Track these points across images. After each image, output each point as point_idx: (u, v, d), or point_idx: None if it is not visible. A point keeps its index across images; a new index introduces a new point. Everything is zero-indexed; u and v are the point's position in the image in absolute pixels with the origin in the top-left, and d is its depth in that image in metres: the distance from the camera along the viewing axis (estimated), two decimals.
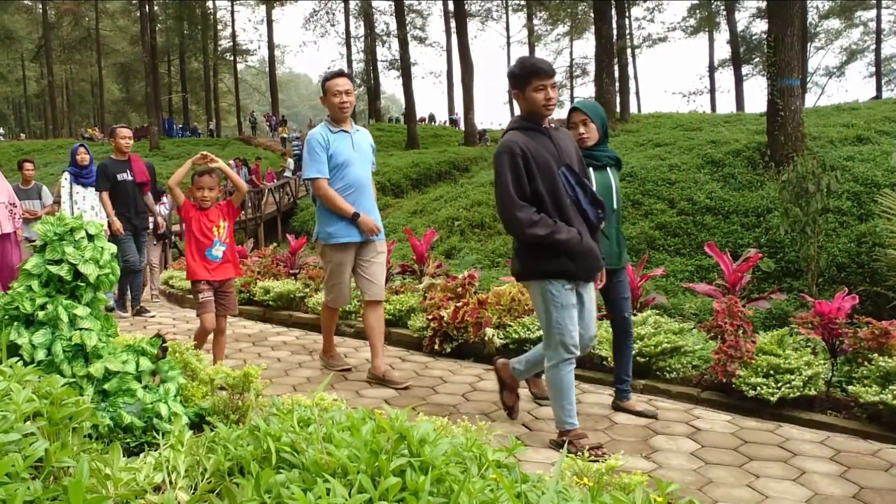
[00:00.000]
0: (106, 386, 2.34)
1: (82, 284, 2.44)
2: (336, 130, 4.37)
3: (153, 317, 6.83)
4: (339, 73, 4.43)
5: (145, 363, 2.47)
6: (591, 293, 3.37)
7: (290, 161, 27.25)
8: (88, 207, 7.02)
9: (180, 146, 34.57)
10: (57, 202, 7.60)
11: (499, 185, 3.18)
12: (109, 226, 6.54)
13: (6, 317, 2.37)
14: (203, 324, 4.26)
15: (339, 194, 4.28)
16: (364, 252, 4.41)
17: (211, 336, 4.36)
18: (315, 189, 4.33)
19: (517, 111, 3.45)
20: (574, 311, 3.20)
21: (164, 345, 2.66)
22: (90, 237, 2.50)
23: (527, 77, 3.20)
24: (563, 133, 3.41)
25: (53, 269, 2.39)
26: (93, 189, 6.98)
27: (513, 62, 3.34)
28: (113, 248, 2.59)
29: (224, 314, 4.36)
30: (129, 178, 6.64)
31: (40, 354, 2.30)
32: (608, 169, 3.68)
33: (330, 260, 4.40)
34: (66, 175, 7.13)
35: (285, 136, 35.00)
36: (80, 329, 2.37)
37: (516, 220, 3.12)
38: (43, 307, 2.37)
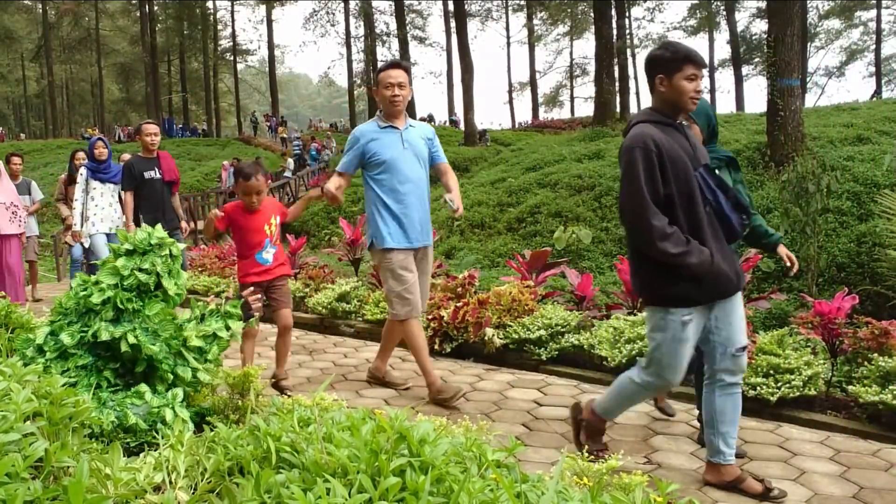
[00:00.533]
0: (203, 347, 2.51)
1: (158, 296, 2.54)
2: (385, 126, 4.01)
3: None
4: (394, 64, 4.02)
5: (235, 325, 2.62)
6: (733, 302, 2.86)
7: (290, 161, 27.27)
8: (106, 204, 6.86)
9: (180, 146, 34.57)
10: (53, 200, 7.56)
11: (629, 183, 2.74)
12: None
13: (82, 307, 2.46)
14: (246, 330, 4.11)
15: (386, 195, 3.94)
16: (417, 262, 4.07)
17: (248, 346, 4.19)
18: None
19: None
20: (689, 345, 2.77)
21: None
22: (172, 257, 2.59)
23: (680, 63, 2.75)
24: (693, 130, 3.05)
25: (141, 276, 2.48)
26: (111, 185, 6.86)
27: (655, 46, 2.92)
28: (186, 273, 2.66)
29: (280, 308, 4.09)
30: (158, 176, 6.27)
31: (155, 347, 2.44)
32: (723, 171, 3.21)
33: (389, 265, 3.95)
34: (83, 170, 6.95)
35: (285, 136, 35.05)
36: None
37: (648, 227, 2.64)
38: (136, 311, 2.49)
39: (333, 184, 3.97)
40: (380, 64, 3.78)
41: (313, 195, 4.13)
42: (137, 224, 6.42)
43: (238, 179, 3.98)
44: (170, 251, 2.57)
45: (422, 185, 4.01)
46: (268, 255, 4.01)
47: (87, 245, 6.95)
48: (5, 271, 6.26)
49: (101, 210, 6.86)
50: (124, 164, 6.40)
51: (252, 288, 3.64)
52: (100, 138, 7.23)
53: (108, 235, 6.85)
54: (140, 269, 2.50)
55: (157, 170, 6.30)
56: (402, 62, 4.07)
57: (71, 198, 7.29)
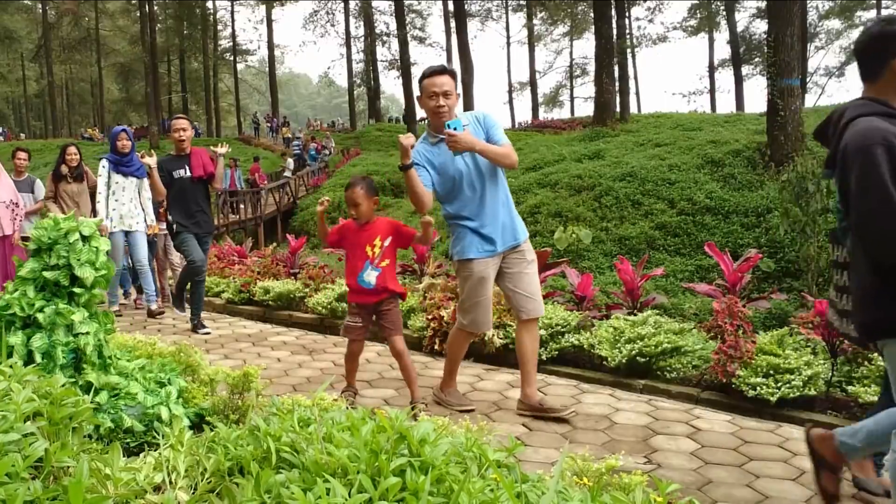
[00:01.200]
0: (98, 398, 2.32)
1: (79, 290, 2.43)
2: (436, 141, 3.64)
3: (208, 333, 6.02)
4: (437, 70, 3.64)
5: (173, 392, 2.49)
6: None
7: (290, 161, 27.22)
8: (127, 200, 6.53)
9: None
10: (42, 198, 7.17)
11: (876, 189, 2.15)
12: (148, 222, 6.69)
13: (2, 321, 2.35)
14: (349, 347, 3.92)
15: (459, 211, 3.67)
16: (511, 262, 3.71)
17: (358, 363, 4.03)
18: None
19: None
20: None
21: None
22: (84, 238, 2.48)
23: None
24: None
25: (49, 275, 2.37)
26: (134, 179, 6.55)
27: (880, 22, 2.37)
28: (108, 245, 2.56)
29: (388, 335, 3.81)
30: (187, 174, 5.91)
31: (38, 358, 2.30)
32: None
33: (467, 275, 3.69)
34: (104, 163, 6.52)
35: (289, 136, 34.89)
36: (78, 334, 2.37)
37: None
38: (41, 310, 2.36)
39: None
40: (424, 68, 3.39)
41: (427, 220, 3.73)
42: (170, 229, 6.10)
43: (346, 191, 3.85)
44: (80, 235, 2.46)
45: (491, 186, 3.67)
46: (369, 277, 3.72)
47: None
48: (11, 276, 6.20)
49: (121, 206, 6.48)
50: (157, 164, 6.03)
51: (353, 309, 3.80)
52: (123, 129, 6.80)
53: (126, 234, 6.55)
54: (48, 268, 2.40)
55: (186, 168, 5.94)
56: (447, 67, 3.71)
57: (60, 196, 6.96)
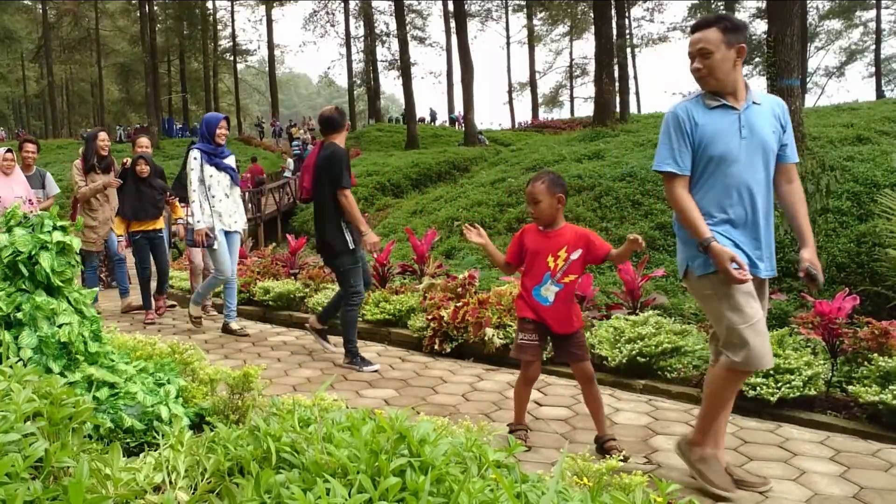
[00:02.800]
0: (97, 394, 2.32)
1: (61, 283, 2.44)
2: (715, 105, 2.75)
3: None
4: (696, 25, 2.81)
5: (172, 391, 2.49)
6: None
7: (290, 161, 27.15)
8: (223, 195, 5.73)
9: (180, 146, 34.55)
10: (77, 192, 6.75)
11: None
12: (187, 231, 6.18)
13: None
14: (523, 370, 3.29)
15: (711, 204, 2.76)
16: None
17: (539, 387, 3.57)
18: (665, 188, 2.84)
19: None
20: None
21: None
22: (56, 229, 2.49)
23: None
24: None
25: (5, 256, 2.39)
26: (226, 174, 5.75)
27: None
28: (75, 244, 2.54)
29: (575, 361, 3.24)
30: None
31: (29, 353, 2.30)
32: None
33: (723, 294, 2.69)
34: (196, 153, 5.67)
35: (298, 137, 34.42)
36: (62, 325, 2.37)
37: None
38: (19, 308, 2.36)
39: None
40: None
41: (634, 237, 3.02)
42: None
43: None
44: (51, 226, 2.47)
45: (767, 193, 2.80)
46: (547, 292, 3.20)
47: (215, 246, 5.65)
48: None
49: (217, 203, 5.71)
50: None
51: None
52: (225, 117, 5.99)
53: (226, 234, 5.74)
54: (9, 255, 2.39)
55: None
56: (710, 19, 2.76)
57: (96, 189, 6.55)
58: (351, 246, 4.74)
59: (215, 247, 5.63)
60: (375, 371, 4.73)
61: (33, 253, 2.40)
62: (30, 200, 6.16)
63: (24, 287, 2.40)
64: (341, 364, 4.88)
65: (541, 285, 3.21)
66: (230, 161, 5.86)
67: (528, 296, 3.25)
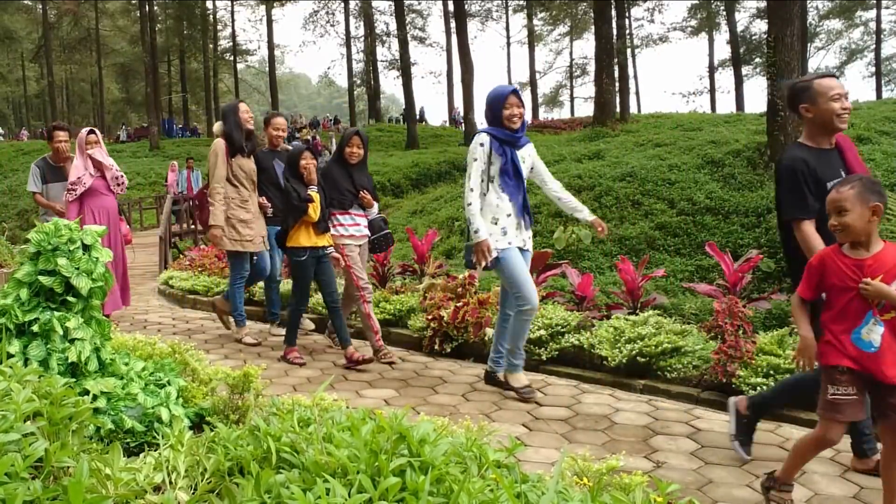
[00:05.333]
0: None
1: (72, 299, 2.41)
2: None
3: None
4: (831, 74, 3.11)
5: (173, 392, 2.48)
6: None
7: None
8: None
9: (180, 146, 34.55)
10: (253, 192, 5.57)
11: None
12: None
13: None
14: (825, 432, 2.56)
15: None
16: None
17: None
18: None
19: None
20: None
21: None
22: (85, 248, 2.45)
23: None
24: None
25: (45, 280, 2.33)
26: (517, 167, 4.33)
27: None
28: (109, 256, 2.52)
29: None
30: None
31: (34, 366, 2.29)
32: None
33: None
34: (484, 138, 4.08)
35: (309, 139, 33.83)
36: (74, 340, 2.35)
37: None
38: (35, 320, 2.33)
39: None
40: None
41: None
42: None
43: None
44: (81, 243, 2.41)
45: None
46: (871, 335, 2.43)
47: (488, 265, 4.05)
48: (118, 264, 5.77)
49: (508, 207, 4.11)
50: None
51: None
52: (514, 90, 4.19)
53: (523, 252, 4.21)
54: (44, 273, 2.33)
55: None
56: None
57: (234, 174, 5.38)
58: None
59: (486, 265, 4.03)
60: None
61: (72, 277, 2.37)
62: (118, 177, 5.87)
63: (45, 298, 2.39)
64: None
65: (862, 326, 2.44)
66: (527, 151, 4.23)
67: (840, 343, 2.48)
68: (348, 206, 5.09)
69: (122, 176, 5.95)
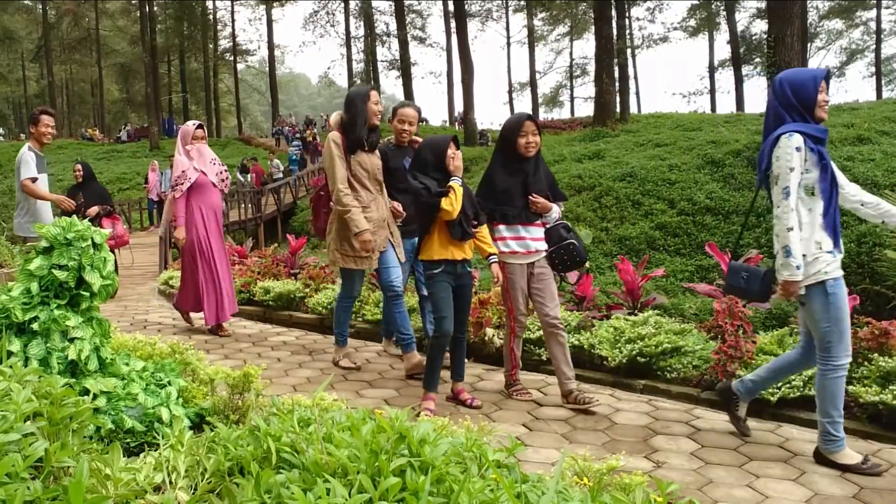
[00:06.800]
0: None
1: (84, 293, 2.41)
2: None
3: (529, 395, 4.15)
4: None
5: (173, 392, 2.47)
6: None
7: (277, 161, 26.32)
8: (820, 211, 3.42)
9: None
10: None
11: None
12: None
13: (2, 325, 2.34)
14: None
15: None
16: None
17: None
18: None
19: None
20: None
21: None
22: (95, 246, 2.46)
23: None
24: None
25: (59, 274, 2.35)
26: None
27: None
28: (111, 257, 2.52)
29: None
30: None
31: (34, 364, 2.29)
32: None
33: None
34: (797, 140, 3.08)
35: (310, 140, 33.36)
36: (74, 339, 2.35)
37: None
38: (35, 318, 2.34)
39: None
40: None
41: None
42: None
43: None
44: (92, 241, 2.42)
45: None
46: None
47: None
48: (216, 273, 5.65)
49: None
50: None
51: None
52: (826, 72, 3.40)
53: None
54: (58, 267, 2.35)
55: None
56: None
57: (355, 173, 4.41)
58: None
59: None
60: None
61: (85, 271, 2.37)
62: (219, 163, 5.76)
63: (54, 293, 2.39)
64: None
65: None
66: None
67: None
68: (519, 218, 3.97)
69: (225, 171, 5.78)
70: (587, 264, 4.69)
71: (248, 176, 23.89)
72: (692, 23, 39.67)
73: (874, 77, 38.63)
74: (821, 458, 3.14)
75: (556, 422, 3.69)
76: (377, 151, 4.61)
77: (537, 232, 4.01)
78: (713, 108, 41.01)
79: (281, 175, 24.85)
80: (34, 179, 5.59)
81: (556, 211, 4.04)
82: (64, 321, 2.34)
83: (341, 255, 4.55)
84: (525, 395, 4.13)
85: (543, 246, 4.01)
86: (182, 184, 5.49)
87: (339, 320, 4.88)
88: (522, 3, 42.08)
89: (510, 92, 47.21)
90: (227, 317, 5.88)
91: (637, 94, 42.60)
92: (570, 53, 46.90)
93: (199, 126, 5.71)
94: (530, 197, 3.95)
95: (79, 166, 8.12)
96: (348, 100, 4.54)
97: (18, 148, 6.63)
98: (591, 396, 3.87)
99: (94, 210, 7.66)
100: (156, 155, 30.09)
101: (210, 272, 5.73)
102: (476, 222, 3.84)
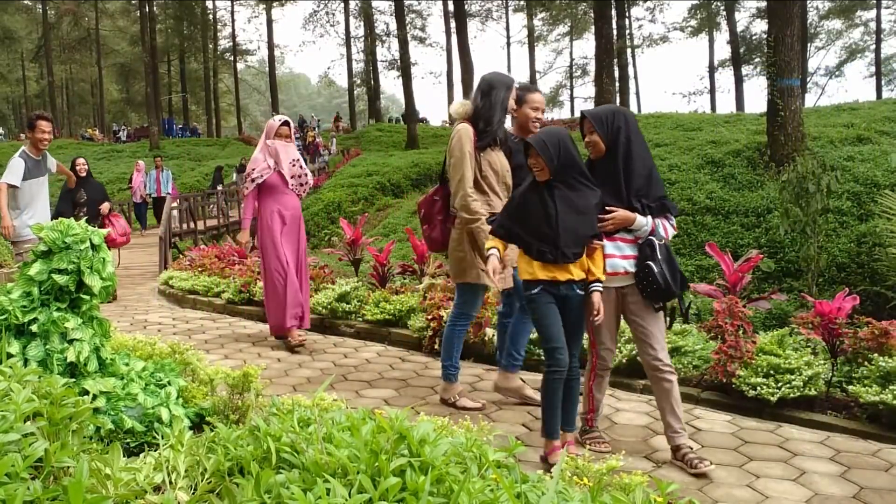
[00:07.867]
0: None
1: (85, 297, 2.41)
2: None
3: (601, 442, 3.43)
4: None
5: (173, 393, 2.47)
6: None
7: (234, 173, 26.03)
8: None
9: (180, 146, 34.56)
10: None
11: None
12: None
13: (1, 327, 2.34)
14: None
15: None
16: None
17: None
18: None
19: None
20: None
21: None
22: (94, 247, 2.45)
23: None
24: None
25: (59, 278, 2.34)
26: None
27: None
28: (111, 258, 2.52)
29: None
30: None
31: (33, 366, 2.29)
32: None
33: None
34: None
35: (313, 141, 33.01)
36: (73, 340, 2.35)
37: None
38: (34, 320, 2.34)
39: None
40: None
41: None
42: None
43: None
44: (90, 243, 2.42)
45: None
46: None
47: None
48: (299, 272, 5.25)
49: None
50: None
51: None
52: None
53: None
54: (57, 271, 2.35)
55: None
56: None
57: (484, 175, 3.76)
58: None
59: None
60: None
61: (85, 275, 2.36)
62: (300, 165, 5.38)
63: (54, 297, 2.39)
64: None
65: None
66: None
67: None
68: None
69: (306, 175, 5.33)
70: (688, 300, 3.78)
71: None
72: (692, 23, 39.68)
73: (874, 77, 38.62)
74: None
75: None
76: (506, 149, 3.89)
77: (629, 249, 3.18)
78: (713, 108, 40.99)
79: (235, 178, 24.60)
80: (12, 186, 5.50)
81: (645, 222, 3.15)
82: (63, 323, 2.34)
83: (482, 271, 3.73)
84: (601, 444, 3.33)
85: (629, 266, 3.20)
86: (253, 181, 5.13)
87: (451, 348, 4.00)
88: (522, 3, 42.07)
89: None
90: (295, 323, 5.31)
91: (637, 94, 42.60)
92: (570, 53, 46.92)
93: (285, 123, 5.27)
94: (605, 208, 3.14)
95: (81, 160, 8.16)
96: (488, 85, 3.78)
97: (18, 148, 6.65)
98: (702, 460, 3.04)
99: (106, 206, 7.78)
100: (156, 155, 30.10)
101: (283, 278, 5.18)
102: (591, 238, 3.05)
